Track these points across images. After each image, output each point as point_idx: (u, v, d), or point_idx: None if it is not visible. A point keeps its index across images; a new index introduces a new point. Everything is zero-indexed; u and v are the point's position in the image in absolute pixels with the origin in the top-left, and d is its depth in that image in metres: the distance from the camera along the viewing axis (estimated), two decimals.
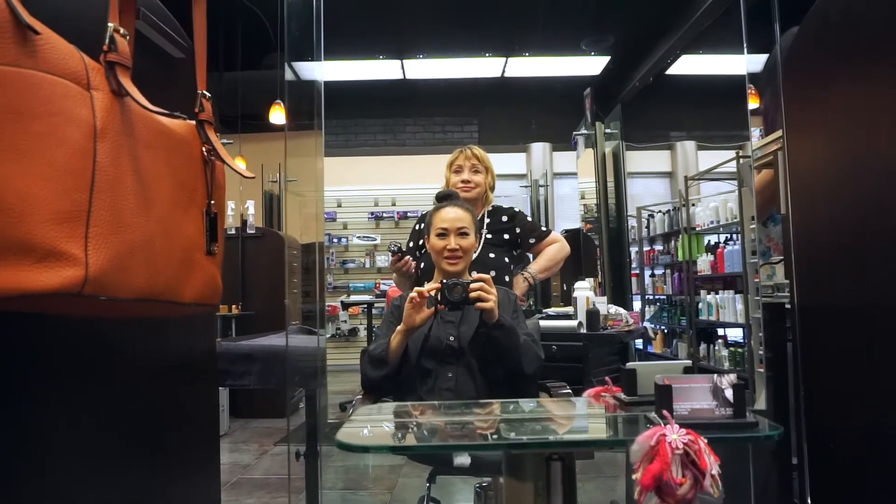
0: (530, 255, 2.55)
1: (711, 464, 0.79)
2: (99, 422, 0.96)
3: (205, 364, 1.35)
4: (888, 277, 0.97)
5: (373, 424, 1.17)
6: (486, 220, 2.35)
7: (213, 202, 0.92)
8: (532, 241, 2.36)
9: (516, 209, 2.43)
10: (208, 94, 0.92)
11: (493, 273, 2.21)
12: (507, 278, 2.29)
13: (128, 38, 0.75)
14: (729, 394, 0.89)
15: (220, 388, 2.52)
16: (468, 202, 2.29)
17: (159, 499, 1.13)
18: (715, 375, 0.90)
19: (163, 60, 1.25)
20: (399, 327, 1.70)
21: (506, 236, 2.33)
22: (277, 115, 5.61)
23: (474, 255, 2.18)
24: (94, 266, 0.65)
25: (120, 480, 1.01)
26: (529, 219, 2.43)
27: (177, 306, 0.84)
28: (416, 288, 1.69)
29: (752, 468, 1.35)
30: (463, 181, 2.34)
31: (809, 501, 1.16)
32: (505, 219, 2.36)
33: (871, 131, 1.01)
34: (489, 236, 2.31)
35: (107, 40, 0.73)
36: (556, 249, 2.38)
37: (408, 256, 2.27)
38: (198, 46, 0.95)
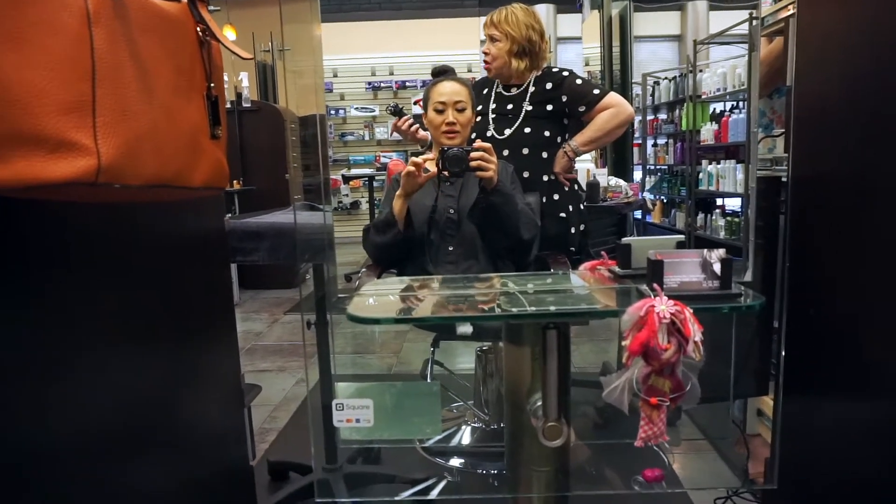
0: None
1: (695, 331, 0.86)
2: (121, 304, 1.02)
3: (215, 242, 1.40)
4: (884, 153, 0.98)
5: (379, 297, 1.24)
6: (531, 90, 2.07)
7: (212, 85, 0.91)
8: (582, 108, 2.06)
9: (566, 73, 2.09)
10: None
11: (525, 150, 2.06)
12: (544, 155, 2.09)
13: None
14: (717, 267, 0.93)
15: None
16: (499, 79, 2.09)
17: (187, 370, 1.23)
18: (705, 250, 0.94)
19: None
20: (398, 192, 1.75)
21: (549, 107, 2.07)
22: None
23: (508, 132, 2.08)
24: (106, 155, 0.66)
25: (148, 356, 1.09)
26: (579, 82, 2.08)
27: (187, 191, 0.87)
28: (413, 160, 1.71)
29: (734, 331, 1.44)
30: (484, 56, 2.08)
31: (783, 358, 1.25)
32: (549, 86, 2.07)
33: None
34: (529, 108, 2.07)
35: None
36: (606, 117, 2.05)
37: (409, 116, 2.12)
38: None
